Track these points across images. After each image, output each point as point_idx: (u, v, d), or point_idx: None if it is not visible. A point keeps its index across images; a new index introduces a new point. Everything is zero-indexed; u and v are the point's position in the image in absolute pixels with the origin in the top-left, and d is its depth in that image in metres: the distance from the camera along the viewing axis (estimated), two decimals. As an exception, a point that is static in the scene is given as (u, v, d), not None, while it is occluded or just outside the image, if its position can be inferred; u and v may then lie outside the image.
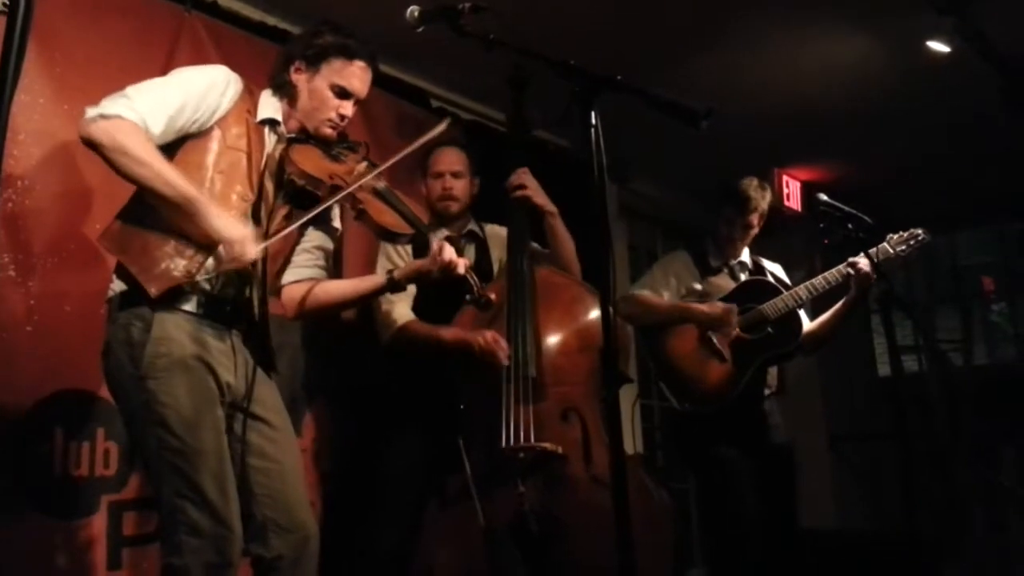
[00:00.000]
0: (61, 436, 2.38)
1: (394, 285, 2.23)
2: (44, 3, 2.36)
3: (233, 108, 2.00)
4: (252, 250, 1.87)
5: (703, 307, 3.03)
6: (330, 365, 3.12)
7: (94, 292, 1.98)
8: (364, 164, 2.16)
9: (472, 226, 2.86)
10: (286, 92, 2.10)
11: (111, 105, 1.83)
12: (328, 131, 2.12)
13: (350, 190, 2.05)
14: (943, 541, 4.64)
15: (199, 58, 2.80)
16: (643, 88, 1.68)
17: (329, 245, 2.25)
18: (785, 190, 5.26)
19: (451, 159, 2.79)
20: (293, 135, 2.11)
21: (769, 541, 2.89)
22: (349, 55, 2.09)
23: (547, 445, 2.31)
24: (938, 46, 3.72)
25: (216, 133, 1.97)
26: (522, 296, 2.47)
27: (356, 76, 2.11)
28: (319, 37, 2.10)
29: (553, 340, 2.49)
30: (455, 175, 2.78)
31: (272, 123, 2.08)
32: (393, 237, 2.22)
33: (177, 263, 1.89)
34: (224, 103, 1.99)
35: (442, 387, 2.52)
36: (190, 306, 1.93)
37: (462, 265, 2.15)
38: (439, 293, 2.36)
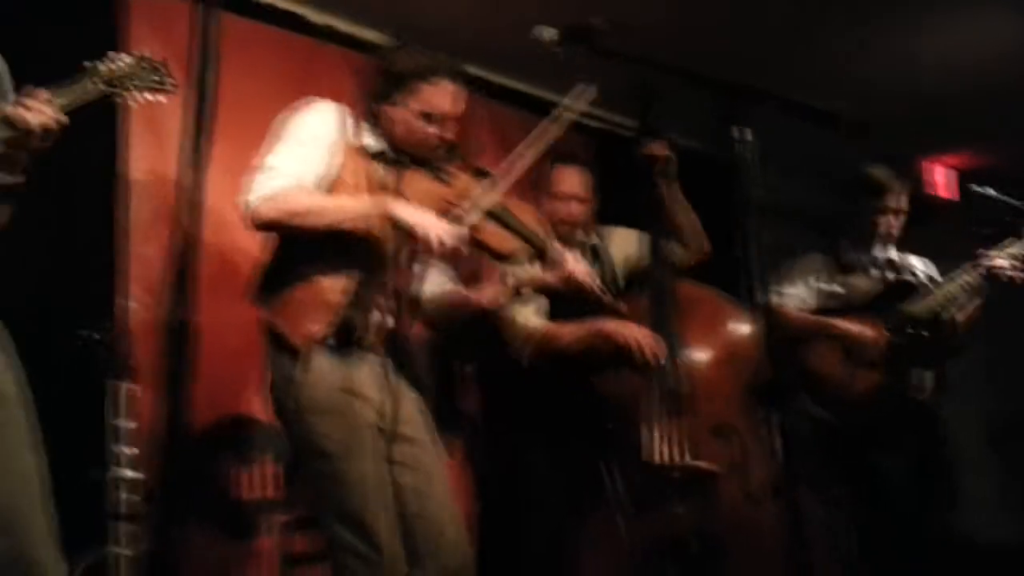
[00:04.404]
0: (231, 460, 2.54)
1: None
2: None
3: (348, 147, 1.99)
4: (452, 229, 1.87)
5: (851, 327, 2.85)
6: (475, 384, 3.14)
7: (256, 320, 2.08)
8: (474, 181, 2.05)
9: (593, 238, 2.74)
10: (380, 124, 2.04)
11: (264, 183, 1.87)
12: (429, 154, 2.04)
13: (468, 225, 1.94)
14: None
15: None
16: (790, 99, 1.62)
17: None
18: (935, 179, 4.97)
19: (575, 182, 2.59)
20: (400, 159, 2.04)
21: (926, 548, 2.80)
22: (425, 77, 1.96)
23: (702, 464, 2.27)
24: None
25: (339, 176, 1.97)
26: (664, 310, 2.43)
27: (439, 96, 1.97)
28: (393, 65, 2.00)
29: (700, 354, 2.44)
30: (580, 200, 2.60)
31: (380, 155, 2.04)
32: (510, 261, 2.11)
33: (319, 319, 1.92)
34: (341, 144, 1.98)
35: (588, 406, 2.48)
36: (333, 340, 1.95)
37: (590, 280, 2.11)
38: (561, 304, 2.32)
